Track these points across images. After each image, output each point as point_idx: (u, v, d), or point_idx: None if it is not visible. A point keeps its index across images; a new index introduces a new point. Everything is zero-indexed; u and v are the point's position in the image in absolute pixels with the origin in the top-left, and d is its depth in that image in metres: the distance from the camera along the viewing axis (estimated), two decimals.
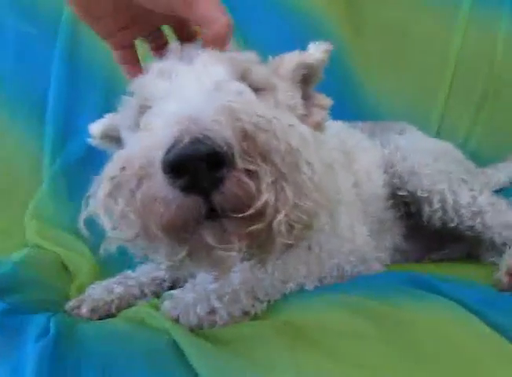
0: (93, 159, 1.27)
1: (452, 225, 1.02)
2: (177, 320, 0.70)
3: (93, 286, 0.88)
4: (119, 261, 1.08)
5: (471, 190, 1.02)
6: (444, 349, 0.60)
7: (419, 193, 1.02)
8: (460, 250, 1.15)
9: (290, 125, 0.51)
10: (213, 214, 0.47)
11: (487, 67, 1.50)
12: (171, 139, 0.44)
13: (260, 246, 0.52)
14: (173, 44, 0.68)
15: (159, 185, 0.46)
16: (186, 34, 0.72)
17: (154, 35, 0.72)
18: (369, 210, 1.04)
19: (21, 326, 0.65)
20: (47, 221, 1.17)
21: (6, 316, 0.67)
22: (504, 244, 1.01)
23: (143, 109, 0.63)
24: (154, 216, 0.47)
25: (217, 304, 0.71)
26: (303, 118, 0.74)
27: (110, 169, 0.51)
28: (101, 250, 0.54)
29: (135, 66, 0.72)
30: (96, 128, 0.84)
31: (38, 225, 1.12)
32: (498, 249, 1.02)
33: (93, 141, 0.85)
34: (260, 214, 0.47)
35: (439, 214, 1.02)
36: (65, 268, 0.98)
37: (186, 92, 0.56)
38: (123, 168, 0.49)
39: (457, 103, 1.50)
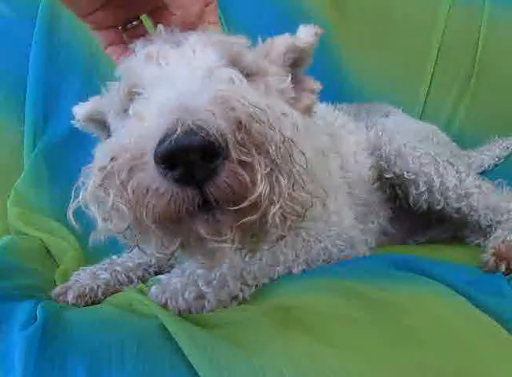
0: (74, 143, 1.25)
1: (438, 207, 1.02)
2: (165, 305, 0.69)
3: (78, 272, 0.87)
4: (104, 247, 1.07)
5: (457, 172, 1.02)
6: (435, 332, 0.60)
7: (406, 175, 1.02)
8: (445, 232, 1.16)
9: (283, 113, 0.50)
10: (206, 205, 0.47)
11: (470, 50, 1.50)
12: (164, 129, 0.43)
13: (252, 236, 0.51)
14: (159, 27, 0.65)
15: (152, 176, 0.45)
16: (166, 23, 0.70)
17: (134, 24, 0.70)
18: (355, 193, 1.04)
19: (7, 313, 0.64)
20: (29, 207, 1.14)
21: None
22: (489, 226, 1.02)
23: (131, 95, 0.62)
24: (146, 208, 0.46)
25: (205, 289, 0.71)
26: (293, 102, 0.73)
27: (100, 159, 0.49)
28: (90, 241, 0.52)
29: (118, 46, 0.69)
30: (80, 111, 0.82)
31: (19, 211, 1.10)
32: (483, 231, 1.04)
33: (76, 124, 0.83)
34: (254, 206, 0.46)
35: (425, 196, 1.02)
36: (49, 253, 0.97)
37: (177, 79, 0.54)
38: (113, 158, 0.47)
39: (440, 85, 1.51)
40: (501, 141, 1.41)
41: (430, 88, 1.50)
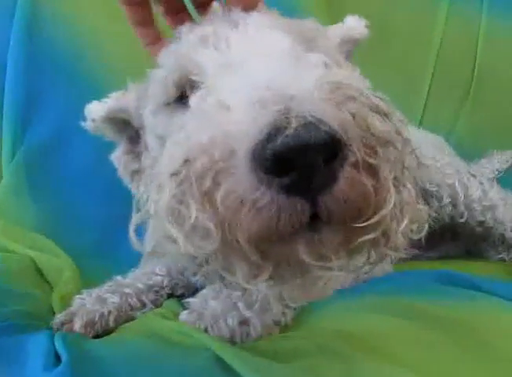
0: (56, 150, 1.14)
1: (462, 220, 0.98)
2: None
3: (81, 296, 0.75)
4: (100, 266, 0.96)
5: (481, 184, 0.98)
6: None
7: (428, 187, 0.97)
8: (458, 247, 1.11)
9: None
10: (313, 221, 0.36)
11: (468, 61, 1.48)
12: (272, 122, 0.33)
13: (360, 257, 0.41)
14: (215, 3, 0.55)
15: (247, 184, 0.34)
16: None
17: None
18: None
19: (18, 349, 0.53)
20: (10, 219, 1.01)
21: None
22: None
23: (183, 85, 0.51)
24: (240, 225, 0.35)
25: (248, 313, 0.62)
26: None
27: (169, 162, 0.38)
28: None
29: (149, 28, 0.60)
30: (98, 110, 0.70)
31: (3, 226, 0.96)
32: (508, 244, 0.99)
33: (90, 125, 0.71)
34: (376, 223, 0.37)
35: (449, 208, 0.97)
36: (41, 274, 0.84)
37: (254, 68, 0.41)
38: (188, 161, 0.37)
39: (438, 97, 1.48)
40: (500, 154, 1.39)
41: (428, 100, 1.46)
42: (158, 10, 0.61)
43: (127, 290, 0.77)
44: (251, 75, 0.40)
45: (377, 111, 0.37)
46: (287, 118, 0.32)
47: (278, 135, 0.32)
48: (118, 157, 0.74)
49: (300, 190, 0.34)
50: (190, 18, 0.60)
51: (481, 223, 0.98)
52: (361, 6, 1.48)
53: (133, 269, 0.84)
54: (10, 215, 1.03)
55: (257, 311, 0.62)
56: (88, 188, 1.07)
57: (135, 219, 0.41)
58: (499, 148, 1.41)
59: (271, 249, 0.38)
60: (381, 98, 0.38)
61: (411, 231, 0.40)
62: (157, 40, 0.60)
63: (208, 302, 0.64)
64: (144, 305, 0.77)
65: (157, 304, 0.79)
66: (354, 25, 0.68)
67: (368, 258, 0.41)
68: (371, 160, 0.35)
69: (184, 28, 0.55)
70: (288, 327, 0.65)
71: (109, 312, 0.71)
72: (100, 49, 1.17)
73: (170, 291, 0.82)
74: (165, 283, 0.81)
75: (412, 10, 1.49)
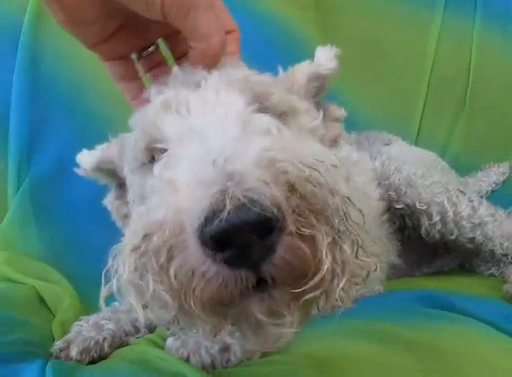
0: (60, 180, 1.19)
1: (452, 237, 0.99)
2: (186, 360, 0.63)
3: (79, 323, 0.79)
4: (98, 293, 1.00)
5: (470, 201, 0.99)
6: (481, 371, 0.58)
7: (418, 205, 0.99)
8: (452, 262, 1.13)
9: (333, 165, 0.43)
10: (261, 283, 0.39)
11: (462, 76, 1.49)
12: (209, 204, 0.36)
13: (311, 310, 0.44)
14: (175, 68, 0.58)
15: (196, 258, 0.38)
16: (182, 49, 0.64)
17: (151, 50, 0.64)
18: (365, 227, 1.00)
19: None
20: (16, 250, 1.06)
21: None
22: (505, 255, 1.00)
23: (151, 151, 0.55)
24: (192, 294, 0.39)
25: (229, 340, 0.65)
26: (322, 137, 0.67)
27: (131, 237, 0.42)
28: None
29: (132, 82, 0.63)
30: (86, 160, 0.74)
31: (7, 256, 1.01)
32: (497, 260, 1.01)
33: (82, 173, 0.76)
34: (318, 283, 0.39)
35: (438, 226, 0.98)
36: (43, 302, 0.88)
37: (206, 135, 0.46)
38: (147, 236, 0.40)
39: (433, 113, 1.49)
40: (497, 167, 1.40)
41: (423, 114, 1.48)
42: (138, 66, 0.64)
43: (122, 317, 0.81)
44: (203, 146, 0.44)
45: (309, 181, 0.39)
46: (222, 200, 0.36)
47: (214, 218, 0.35)
48: (110, 202, 0.79)
49: (241, 263, 0.37)
50: (170, 70, 0.64)
51: (471, 240, 0.99)
52: (355, 23, 1.52)
53: None
54: (15, 245, 1.08)
55: (239, 337, 0.65)
56: (90, 217, 1.10)
57: (104, 291, 0.44)
58: (496, 160, 1.43)
59: (226, 310, 0.41)
60: (314, 168, 0.40)
61: (356, 283, 0.43)
62: (139, 93, 0.61)
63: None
64: (138, 330, 0.81)
65: (151, 329, 0.82)
66: (322, 60, 0.69)
67: (318, 310, 0.43)
68: (306, 230, 0.38)
69: (152, 90, 0.58)
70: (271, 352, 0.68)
71: (104, 338, 0.75)
72: (99, 85, 1.21)
73: None
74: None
75: (406, 26, 1.51)
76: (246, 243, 0.36)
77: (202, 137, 0.45)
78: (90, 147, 0.78)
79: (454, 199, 0.98)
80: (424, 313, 0.71)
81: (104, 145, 0.75)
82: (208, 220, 0.36)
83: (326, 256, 0.38)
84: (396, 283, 1.02)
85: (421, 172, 1.02)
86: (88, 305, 0.91)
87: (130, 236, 0.42)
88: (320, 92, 0.71)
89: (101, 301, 0.44)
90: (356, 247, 0.41)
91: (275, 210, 0.36)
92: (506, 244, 0.98)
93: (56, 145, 1.19)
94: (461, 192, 1.01)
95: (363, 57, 1.50)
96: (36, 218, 1.14)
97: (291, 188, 0.38)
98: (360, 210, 0.43)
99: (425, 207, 0.98)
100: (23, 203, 1.14)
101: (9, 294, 0.86)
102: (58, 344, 0.73)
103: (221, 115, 0.49)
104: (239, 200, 0.35)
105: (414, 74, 1.50)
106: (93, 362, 0.72)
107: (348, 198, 0.42)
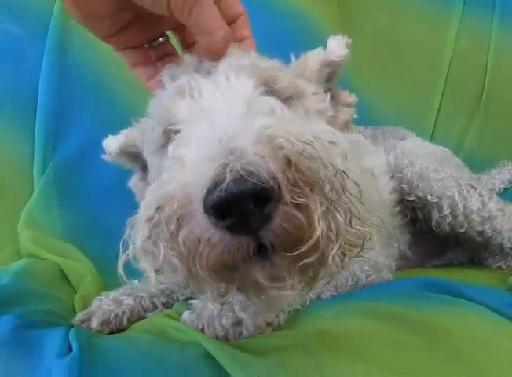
0: (84, 164, 1.24)
1: (462, 230, 1.01)
2: (201, 332, 0.67)
3: (99, 297, 0.83)
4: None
5: (480, 195, 1.01)
6: (483, 353, 0.60)
7: (429, 198, 1.01)
8: (462, 255, 1.15)
9: (331, 142, 0.47)
10: (261, 250, 0.44)
11: (478, 74, 1.51)
12: (211, 177, 0.40)
13: (311, 276, 0.48)
14: (187, 56, 0.63)
15: (202, 226, 0.42)
16: (190, 40, 0.68)
17: (161, 41, 0.67)
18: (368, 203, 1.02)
19: (37, 341, 0.61)
20: (40, 230, 1.10)
21: (20, 331, 0.62)
22: None
23: (167, 133, 0.59)
24: (199, 259, 0.44)
25: (241, 315, 0.69)
26: (332, 119, 0.71)
27: (145, 209, 0.46)
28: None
29: (146, 67, 0.66)
30: (111, 144, 0.80)
31: (31, 234, 1.05)
32: (505, 254, 1.03)
33: (108, 158, 0.81)
34: (313, 247, 0.43)
35: (448, 219, 1.01)
36: (65, 278, 0.93)
37: (215, 114, 0.50)
38: (160, 207, 0.44)
39: (449, 110, 1.51)
40: (510, 165, 1.42)
41: (439, 112, 1.50)
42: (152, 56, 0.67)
43: (141, 294, 0.85)
44: (211, 126, 0.48)
45: (304, 155, 0.43)
46: (223, 173, 0.40)
47: (216, 189, 0.40)
48: (135, 184, 0.83)
49: (241, 229, 0.42)
50: (179, 59, 0.67)
51: (481, 233, 1.01)
52: (375, 20, 1.54)
53: None
54: (40, 225, 1.12)
55: (250, 313, 0.69)
56: (110, 200, 1.15)
57: (122, 259, 0.48)
58: (509, 158, 1.44)
59: (231, 275, 0.46)
60: (308, 143, 0.44)
61: (351, 249, 0.46)
62: (153, 76, 0.65)
63: (207, 304, 0.71)
64: (155, 307, 0.85)
65: (168, 306, 0.86)
66: (334, 48, 0.73)
67: (312, 275, 0.48)
68: (300, 199, 0.42)
69: (165, 75, 0.62)
70: (281, 327, 0.71)
71: (123, 312, 0.80)
72: (124, 72, 1.23)
73: (181, 294, 0.90)
74: (176, 288, 0.89)
75: (425, 24, 1.53)
76: (245, 211, 0.40)
77: (211, 117, 0.49)
78: (114, 132, 0.83)
79: (464, 193, 1.00)
80: (429, 297, 0.74)
81: (128, 130, 0.79)
82: (210, 191, 0.40)
83: (318, 223, 0.42)
84: (406, 272, 1.05)
85: (433, 166, 1.04)
86: (108, 282, 0.95)
87: (145, 208, 0.46)
88: (333, 77, 0.75)
89: (120, 269, 0.48)
90: (349, 216, 0.44)
91: (271, 182, 0.40)
92: None
93: (81, 131, 1.24)
94: (472, 186, 1.02)
95: (382, 54, 1.53)
96: (59, 200, 1.19)
97: (287, 162, 0.42)
98: (356, 183, 0.46)
99: (436, 200, 1.01)
100: (47, 186, 1.18)
101: (34, 268, 0.90)
102: (80, 316, 0.77)
103: (230, 98, 0.53)
104: (237, 173, 0.39)
105: (431, 72, 1.52)
106: (112, 334, 0.76)
107: (343, 172, 0.45)
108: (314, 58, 0.73)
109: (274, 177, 0.40)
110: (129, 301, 0.82)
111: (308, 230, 0.42)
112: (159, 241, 0.45)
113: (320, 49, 0.74)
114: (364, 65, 1.50)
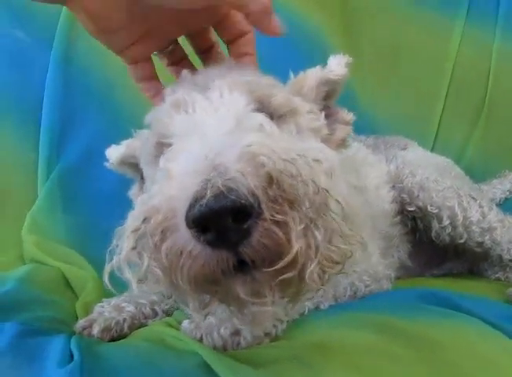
0: (88, 170, 1.25)
1: (461, 241, 1.02)
2: (199, 341, 0.68)
3: (101, 304, 0.84)
4: (121, 278, 1.05)
5: (480, 207, 1.02)
6: (479, 369, 0.60)
7: (429, 209, 1.02)
8: (462, 265, 1.16)
9: (315, 160, 0.48)
10: (242, 265, 0.44)
11: (481, 83, 1.51)
12: (193, 192, 0.42)
13: (291, 292, 0.49)
14: (184, 72, 0.65)
15: (185, 238, 0.44)
16: (204, 46, 0.69)
17: (171, 49, 0.68)
18: (378, 227, 1.04)
19: (39, 349, 0.62)
20: (44, 235, 1.12)
21: (22, 339, 0.64)
22: None
23: (161, 146, 0.61)
24: (181, 271, 0.45)
25: (240, 325, 0.69)
26: (327, 137, 0.72)
27: (133, 220, 0.48)
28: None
29: (152, 81, 0.68)
30: (113, 154, 0.82)
31: (35, 239, 1.07)
32: (504, 265, 1.04)
33: (110, 166, 0.83)
34: (291, 264, 0.44)
35: (448, 230, 1.02)
36: (68, 284, 0.94)
37: (205, 129, 0.52)
38: (146, 219, 0.46)
39: (452, 118, 1.51)
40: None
41: (441, 120, 1.50)
42: (162, 62, 0.69)
43: (142, 301, 0.86)
44: (201, 142, 0.49)
45: (285, 173, 0.44)
46: (204, 188, 0.41)
47: (196, 204, 0.41)
48: (134, 194, 0.85)
49: (220, 244, 0.43)
50: (192, 65, 0.69)
51: (480, 244, 1.02)
52: (377, 27, 1.54)
53: None
54: (44, 230, 1.14)
55: (248, 323, 0.70)
56: (113, 206, 1.15)
57: (107, 268, 0.49)
58: (511, 169, 1.44)
59: (212, 288, 0.47)
60: (289, 161, 0.45)
61: (329, 267, 0.47)
62: (159, 92, 0.67)
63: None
64: (156, 314, 0.86)
65: (168, 313, 0.87)
66: (333, 67, 0.74)
67: (292, 290, 0.48)
68: (278, 216, 0.43)
69: (167, 90, 0.64)
70: (278, 338, 0.72)
71: (124, 319, 0.81)
72: (128, 81, 1.26)
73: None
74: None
75: (427, 32, 1.53)
76: (224, 226, 0.41)
77: (202, 132, 0.51)
78: (117, 140, 0.84)
79: (464, 204, 1.01)
80: (426, 309, 0.74)
81: (129, 140, 0.81)
82: (192, 205, 0.41)
83: (296, 240, 0.43)
84: (405, 282, 1.06)
85: (434, 177, 1.05)
86: (107, 288, 0.96)
87: (132, 219, 0.48)
88: (331, 95, 0.76)
89: (105, 278, 0.50)
90: (329, 234, 0.46)
91: (250, 198, 0.41)
92: None
93: (85, 138, 1.26)
94: (472, 197, 1.03)
95: (384, 61, 1.54)
96: (63, 206, 1.20)
97: (269, 179, 0.43)
98: (338, 201, 0.47)
99: (436, 211, 1.02)
100: (51, 191, 1.20)
101: (37, 274, 0.92)
102: (81, 322, 0.78)
103: (222, 113, 0.55)
104: (218, 189, 0.41)
105: (433, 79, 1.52)
106: (112, 341, 0.77)
107: (326, 190, 0.46)
108: (312, 76, 0.74)
109: (253, 194, 0.41)
110: (130, 308, 0.83)
111: (286, 246, 0.43)
112: (144, 252, 0.46)
113: (318, 67, 0.75)
114: (366, 73, 1.51)
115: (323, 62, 0.76)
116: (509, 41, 1.50)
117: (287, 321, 0.75)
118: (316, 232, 0.45)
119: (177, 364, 0.59)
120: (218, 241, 0.42)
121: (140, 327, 0.81)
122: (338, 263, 0.48)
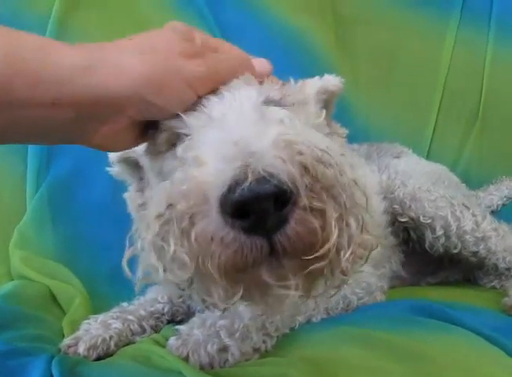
0: (77, 183, 1.22)
1: (455, 250, 1.00)
2: (186, 359, 0.66)
3: (87, 321, 0.83)
4: (111, 292, 1.04)
5: (474, 215, 1.01)
6: None
7: (422, 219, 1.00)
8: (456, 274, 1.15)
9: (341, 154, 0.48)
10: (272, 253, 0.43)
11: (475, 87, 1.50)
12: (231, 177, 0.40)
13: (318, 283, 0.48)
14: None
15: (216, 225, 0.42)
16: None
17: None
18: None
19: (19, 371, 0.61)
20: (32, 250, 1.10)
21: (4, 360, 0.62)
22: (508, 269, 1.01)
23: (174, 137, 0.57)
24: (211, 258, 0.43)
25: (228, 341, 0.68)
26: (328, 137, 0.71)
27: (156, 206, 0.46)
28: (136, 289, 0.49)
29: None
30: (113, 154, 0.80)
31: (23, 254, 1.05)
32: (500, 273, 1.03)
33: (112, 169, 0.81)
34: (325, 253, 0.43)
35: (442, 240, 1.00)
36: (55, 300, 0.92)
37: (229, 122, 0.50)
38: (171, 205, 0.44)
39: (446, 125, 1.50)
40: (508, 181, 1.41)
41: (436, 126, 1.48)
42: None
43: (130, 317, 0.84)
44: (225, 131, 0.48)
45: (321, 161, 0.43)
46: (245, 173, 0.40)
47: (237, 188, 0.40)
48: (130, 195, 0.83)
49: (257, 230, 0.42)
50: None
51: (475, 253, 1.00)
52: (370, 35, 1.54)
53: (137, 297, 0.91)
54: (31, 244, 1.12)
55: (237, 339, 0.68)
56: (104, 219, 1.15)
57: (128, 253, 0.48)
58: (507, 174, 1.43)
59: (239, 275, 0.45)
60: (325, 151, 0.44)
61: (360, 257, 0.46)
62: None
63: (193, 330, 0.70)
64: (144, 330, 0.85)
65: (157, 329, 0.86)
66: (331, 79, 0.76)
67: (325, 283, 0.48)
68: (317, 204, 0.42)
69: None
70: (268, 353, 0.71)
71: (111, 337, 0.79)
72: None
73: (171, 318, 0.90)
74: (165, 310, 0.89)
75: (420, 38, 1.52)
76: (264, 211, 0.40)
77: (223, 124, 0.50)
78: (107, 154, 0.82)
79: (457, 213, 1.00)
80: (420, 323, 0.73)
81: None
82: (231, 189, 0.40)
83: (335, 227, 0.42)
84: (399, 292, 1.04)
85: (426, 186, 1.04)
86: (98, 303, 0.95)
87: (155, 205, 0.46)
88: (327, 107, 0.75)
89: (124, 264, 0.48)
90: (361, 223, 0.45)
91: (290, 185, 0.40)
92: (508, 258, 1.00)
93: (75, 150, 1.23)
94: (465, 206, 1.02)
95: (378, 68, 1.53)
96: (52, 220, 1.18)
97: (305, 167, 0.42)
98: (365, 193, 0.47)
99: (429, 221, 1.00)
100: (40, 205, 1.18)
101: (24, 291, 0.90)
102: (67, 341, 0.77)
103: (239, 107, 0.54)
104: (259, 173, 0.40)
105: (427, 86, 1.51)
106: (99, 359, 0.76)
107: (354, 180, 0.46)
108: (312, 85, 0.75)
109: (293, 181, 0.41)
110: (117, 325, 0.81)
111: (321, 236, 0.43)
112: (169, 237, 0.44)
113: (317, 77, 0.77)
114: (360, 79, 1.50)
115: (315, 69, 0.76)
116: (502, 45, 1.49)
117: (277, 336, 0.74)
118: (351, 222, 0.44)
119: None
120: (256, 227, 0.41)
121: (127, 344, 0.80)
122: (364, 255, 0.47)
